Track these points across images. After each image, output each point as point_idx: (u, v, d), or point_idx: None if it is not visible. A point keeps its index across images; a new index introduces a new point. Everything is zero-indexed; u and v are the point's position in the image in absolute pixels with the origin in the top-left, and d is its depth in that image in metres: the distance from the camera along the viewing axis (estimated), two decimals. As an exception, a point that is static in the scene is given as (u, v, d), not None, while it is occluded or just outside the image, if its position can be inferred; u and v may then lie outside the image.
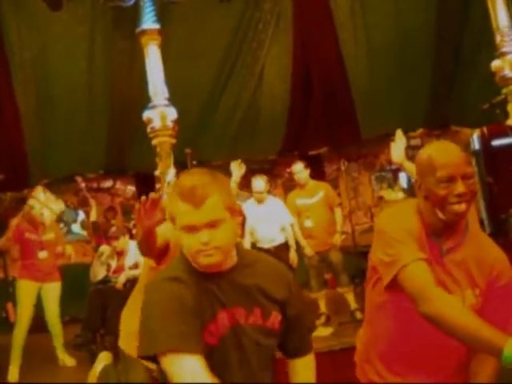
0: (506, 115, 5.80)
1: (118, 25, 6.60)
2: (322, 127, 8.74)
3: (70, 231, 8.93)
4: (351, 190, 9.56)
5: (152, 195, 2.42)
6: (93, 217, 6.54)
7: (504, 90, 5.97)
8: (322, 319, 5.79)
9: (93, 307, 5.52)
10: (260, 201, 5.78)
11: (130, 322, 2.88)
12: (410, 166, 2.79)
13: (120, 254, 5.71)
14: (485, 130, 9.40)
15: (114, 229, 5.98)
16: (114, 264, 5.72)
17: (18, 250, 5.70)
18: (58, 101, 7.32)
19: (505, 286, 1.84)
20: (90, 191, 7.87)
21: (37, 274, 5.48)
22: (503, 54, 6.11)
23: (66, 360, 5.50)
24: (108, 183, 9.22)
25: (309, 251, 5.79)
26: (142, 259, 3.97)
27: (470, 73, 8.06)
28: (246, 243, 5.43)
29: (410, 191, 7.60)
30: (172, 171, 5.38)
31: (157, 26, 5.70)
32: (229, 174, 5.10)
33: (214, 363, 1.51)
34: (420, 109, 8.84)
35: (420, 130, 9.41)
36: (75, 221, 8.91)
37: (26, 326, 5.34)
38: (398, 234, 1.79)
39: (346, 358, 2.40)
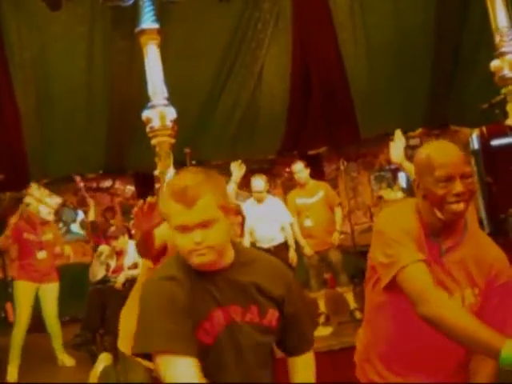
0: (505, 115, 5.80)
1: (117, 24, 6.60)
2: (321, 127, 8.74)
3: (69, 231, 8.93)
4: (350, 190, 9.56)
5: (149, 199, 2.44)
6: (91, 216, 6.53)
7: (503, 90, 5.97)
8: (322, 319, 5.80)
9: (92, 307, 5.52)
10: (259, 200, 5.79)
11: (128, 321, 2.88)
12: (409, 166, 2.79)
13: (119, 253, 5.70)
14: (484, 129, 9.40)
15: (113, 228, 5.97)
16: (113, 264, 5.71)
17: (16, 249, 5.70)
18: (58, 100, 7.32)
19: (504, 285, 1.84)
20: (89, 191, 7.86)
21: (34, 274, 5.48)
22: (502, 54, 6.11)
23: (66, 360, 5.50)
24: (107, 183, 9.22)
25: (308, 251, 5.80)
26: (140, 259, 3.97)
27: (469, 73, 8.06)
28: (246, 243, 5.43)
29: (409, 191, 7.60)
30: (171, 171, 5.38)
31: (156, 26, 5.70)
32: (228, 173, 5.11)
33: (210, 362, 1.53)
34: (419, 108, 8.85)
35: (419, 130, 9.41)
36: (74, 220, 8.91)
37: (24, 326, 5.34)
38: (396, 235, 1.79)
39: (346, 357, 2.41)
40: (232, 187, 4.29)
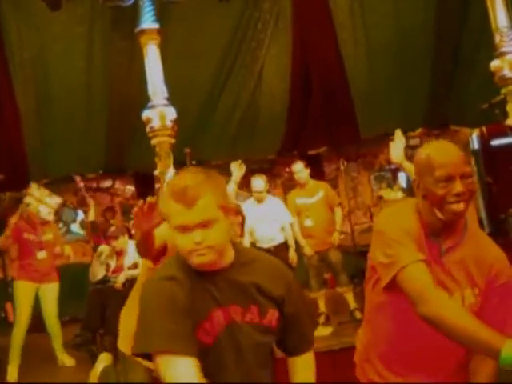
0: (505, 115, 5.80)
1: (117, 25, 6.60)
2: (321, 127, 8.74)
3: (69, 231, 8.94)
4: (350, 190, 9.56)
5: (149, 199, 2.44)
6: (91, 216, 6.53)
7: (503, 90, 5.97)
8: (322, 319, 5.80)
9: (92, 307, 5.52)
10: (259, 200, 5.79)
11: (128, 321, 2.88)
12: (409, 166, 2.79)
13: (119, 253, 5.70)
14: (484, 129, 9.40)
15: (113, 228, 5.97)
16: (113, 264, 5.71)
17: (16, 249, 5.70)
18: (58, 101, 7.33)
19: (504, 285, 1.84)
20: (89, 191, 7.86)
21: (34, 274, 5.48)
22: (502, 54, 6.11)
23: (66, 360, 5.50)
24: (107, 183, 9.22)
25: (308, 251, 5.80)
26: (140, 259, 3.97)
27: (469, 73, 8.06)
28: (246, 243, 5.43)
29: (410, 191, 7.59)
30: (171, 171, 5.38)
31: (156, 26, 5.70)
32: (228, 173, 5.11)
33: (210, 362, 1.53)
34: (419, 108, 8.85)
35: (419, 130, 9.41)
36: (74, 220, 8.91)
37: (24, 327, 5.34)
38: (396, 235, 1.79)
39: (346, 357, 2.41)
40: (232, 187, 4.29)
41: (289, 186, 8.73)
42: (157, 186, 5.68)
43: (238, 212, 5.00)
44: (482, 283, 1.84)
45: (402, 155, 3.06)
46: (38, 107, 7.39)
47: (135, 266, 5.45)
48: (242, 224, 5.00)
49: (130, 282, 5.19)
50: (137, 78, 6.43)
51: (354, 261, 6.43)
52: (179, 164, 5.51)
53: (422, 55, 8.12)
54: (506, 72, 6.06)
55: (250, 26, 7.57)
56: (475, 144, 9.88)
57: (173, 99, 5.74)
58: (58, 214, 8.56)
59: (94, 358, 5.02)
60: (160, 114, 5.59)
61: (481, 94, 6.36)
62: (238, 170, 4.98)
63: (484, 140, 9.58)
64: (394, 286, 1.78)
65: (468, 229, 1.87)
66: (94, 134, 7.76)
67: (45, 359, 5.60)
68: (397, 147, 3.08)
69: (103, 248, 5.78)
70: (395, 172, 9.46)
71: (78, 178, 6.56)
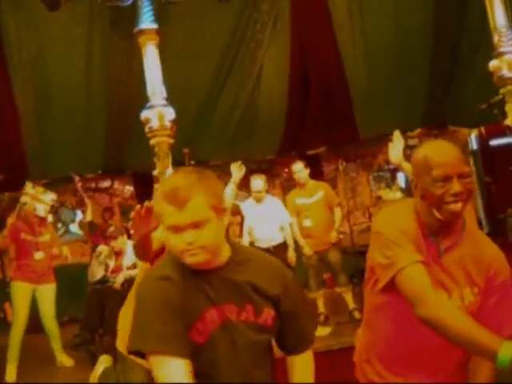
0: (503, 115, 5.81)
1: (116, 25, 6.60)
2: (320, 127, 8.75)
3: (67, 231, 8.94)
4: (349, 190, 9.58)
5: (147, 203, 2.46)
6: (88, 217, 6.52)
7: (502, 90, 5.97)
8: (321, 319, 5.80)
9: (91, 307, 5.52)
10: (259, 200, 5.79)
11: (127, 322, 2.88)
12: (408, 167, 2.79)
13: (118, 253, 5.70)
14: (483, 129, 9.40)
15: (112, 229, 5.97)
16: (112, 264, 5.72)
17: (13, 250, 5.69)
18: (57, 101, 7.33)
19: (502, 284, 1.84)
20: (88, 191, 7.87)
21: (31, 275, 5.47)
22: (501, 54, 6.11)
23: (64, 360, 5.49)
24: (106, 183, 9.22)
25: (307, 251, 5.80)
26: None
27: (467, 73, 8.07)
28: (245, 243, 5.43)
29: (408, 191, 7.59)
30: (170, 171, 5.38)
31: (155, 26, 5.70)
32: (228, 173, 5.10)
33: (204, 361, 1.55)
34: (418, 108, 8.85)
35: (418, 130, 9.42)
36: (73, 221, 8.91)
37: (22, 327, 5.34)
38: (394, 236, 1.80)
39: (345, 357, 2.41)
40: (232, 188, 4.29)
41: (287, 186, 8.74)
42: (156, 186, 5.67)
43: (237, 212, 5.00)
44: (481, 282, 1.84)
45: (401, 156, 3.07)
46: (37, 107, 7.39)
47: (134, 266, 5.45)
48: (241, 224, 5.00)
49: (129, 282, 5.19)
50: (136, 78, 6.43)
51: (353, 261, 6.43)
52: (178, 164, 5.51)
53: (421, 55, 8.12)
54: (505, 72, 6.06)
55: (249, 27, 7.57)
56: (474, 144, 9.88)
57: (172, 99, 5.74)
58: (56, 213, 8.60)
59: (93, 358, 5.01)
60: (159, 114, 5.59)
61: (479, 94, 6.38)
62: (237, 170, 4.98)
63: (483, 140, 9.57)
64: (393, 287, 1.79)
65: (466, 228, 1.87)
66: (93, 134, 7.77)
67: (44, 359, 5.60)
68: (395, 148, 3.09)
69: (102, 248, 5.78)
70: (394, 172, 9.47)
71: (76, 178, 6.56)
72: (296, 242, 5.85)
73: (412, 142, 8.65)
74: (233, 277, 1.62)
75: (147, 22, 5.67)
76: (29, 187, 5.58)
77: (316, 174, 7.84)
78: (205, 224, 1.53)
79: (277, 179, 9.75)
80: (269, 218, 5.74)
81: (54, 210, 8.27)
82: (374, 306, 1.98)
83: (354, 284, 6.07)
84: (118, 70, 7.20)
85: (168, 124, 5.61)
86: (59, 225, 8.85)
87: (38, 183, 5.99)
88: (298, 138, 8.95)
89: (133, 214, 2.49)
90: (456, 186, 1.74)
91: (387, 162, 7.52)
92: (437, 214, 1.78)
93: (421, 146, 1.89)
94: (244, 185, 6.17)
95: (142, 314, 1.54)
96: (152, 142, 5.66)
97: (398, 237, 1.79)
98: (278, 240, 5.80)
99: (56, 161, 7.85)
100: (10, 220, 5.60)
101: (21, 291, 5.44)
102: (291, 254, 5.76)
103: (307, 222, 5.83)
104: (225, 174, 4.99)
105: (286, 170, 9.02)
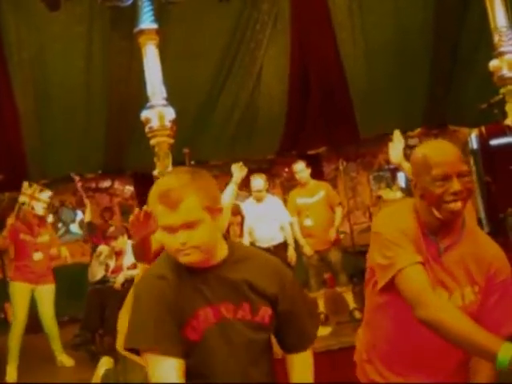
0: (504, 115, 5.81)
1: (116, 25, 6.60)
2: (320, 127, 8.75)
3: (68, 231, 8.93)
4: (349, 190, 9.57)
5: (145, 207, 2.47)
6: (87, 217, 6.51)
7: (502, 90, 5.98)
8: (321, 318, 5.80)
9: (91, 307, 5.52)
10: (259, 199, 5.80)
11: (127, 321, 2.88)
12: (408, 166, 2.78)
13: (118, 253, 5.70)
14: (483, 129, 9.39)
15: (112, 229, 5.97)
16: (112, 264, 5.72)
17: (12, 250, 5.69)
18: (57, 100, 7.33)
19: (503, 283, 1.84)
20: (88, 191, 7.87)
21: (30, 275, 5.47)
22: (501, 54, 6.12)
23: (65, 360, 5.49)
24: (106, 183, 9.21)
25: (308, 250, 5.79)
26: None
27: (467, 72, 8.07)
28: (245, 242, 5.43)
29: (408, 191, 7.59)
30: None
31: (155, 26, 5.70)
32: (227, 173, 5.10)
33: (199, 358, 1.56)
34: (418, 108, 8.85)
35: (418, 130, 9.41)
36: (73, 221, 8.91)
37: (21, 327, 5.35)
38: (393, 236, 1.80)
39: (345, 357, 2.41)
40: (232, 188, 4.29)
41: (288, 186, 8.74)
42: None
43: (238, 212, 5.00)
44: (482, 281, 1.84)
45: (401, 155, 3.07)
46: (37, 107, 7.39)
47: (134, 266, 5.45)
48: (241, 224, 5.01)
49: (129, 283, 5.18)
50: (136, 78, 6.43)
51: (353, 260, 6.43)
52: (178, 164, 5.50)
53: (421, 55, 8.12)
54: (505, 72, 6.06)
55: (249, 27, 7.57)
56: (474, 144, 9.88)
57: (172, 99, 5.75)
58: (57, 213, 8.60)
59: (93, 358, 5.02)
60: (159, 114, 5.60)
61: (479, 94, 6.37)
62: (238, 171, 4.98)
63: (483, 140, 9.57)
64: (393, 287, 1.78)
65: (466, 227, 1.87)
66: (93, 133, 7.76)
67: (44, 359, 5.60)
68: (396, 148, 3.09)
69: (102, 248, 5.78)
70: (394, 172, 9.46)
71: (76, 178, 6.56)
72: (296, 242, 5.85)
73: (412, 141, 8.64)
74: (229, 275, 1.63)
75: (147, 21, 5.68)
76: (25, 187, 5.59)
77: (316, 173, 7.84)
78: (198, 224, 1.54)
79: (277, 179, 9.74)
80: (269, 218, 5.74)
81: (55, 210, 8.29)
82: (374, 306, 1.98)
83: (355, 284, 6.07)
84: (117, 69, 7.20)
85: (168, 124, 5.61)
86: (59, 225, 8.85)
87: (38, 183, 5.98)
88: (298, 137, 8.95)
89: (131, 218, 2.50)
90: (455, 185, 1.73)
91: (387, 161, 7.51)
92: (436, 213, 1.78)
93: (420, 145, 1.89)
94: (244, 184, 6.17)
95: (137, 311, 1.56)
96: (152, 141, 5.66)
97: (398, 237, 1.79)
98: (279, 239, 5.80)
99: (56, 161, 7.85)
100: (10, 220, 5.60)
101: (20, 292, 5.44)
102: (291, 254, 5.76)
103: (308, 222, 5.83)
104: (225, 174, 5.00)
105: (287, 169, 9.02)
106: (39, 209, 5.57)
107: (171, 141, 5.67)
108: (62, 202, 8.80)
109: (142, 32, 5.69)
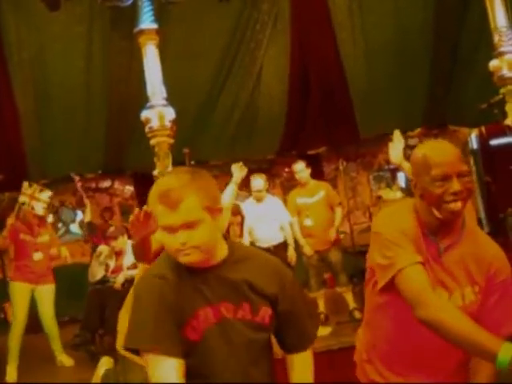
0: (504, 115, 5.81)
1: (116, 25, 6.60)
2: (320, 127, 8.75)
3: (68, 231, 8.94)
4: (349, 190, 9.57)
5: (145, 207, 2.47)
6: (87, 217, 6.52)
7: (502, 90, 5.98)
8: (321, 318, 5.80)
9: (91, 307, 5.52)
10: (259, 199, 5.80)
11: (127, 321, 2.88)
12: (408, 166, 2.79)
13: (118, 254, 5.70)
14: (483, 129, 9.39)
15: (112, 229, 5.97)
16: (112, 264, 5.71)
17: (12, 250, 5.69)
18: (57, 100, 7.33)
19: (503, 283, 1.84)
20: (88, 191, 7.87)
21: (30, 275, 5.47)
22: (501, 54, 6.12)
23: (65, 360, 5.50)
24: (106, 183, 9.21)
25: (308, 250, 5.79)
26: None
27: (467, 72, 8.07)
28: (245, 242, 5.43)
29: (408, 191, 7.59)
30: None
31: (155, 26, 5.70)
32: (227, 173, 5.10)
33: (199, 358, 1.56)
34: (418, 108, 8.85)
35: (418, 130, 9.41)
36: (73, 221, 8.91)
37: (21, 327, 5.35)
38: (393, 236, 1.80)
39: (345, 357, 2.41)
40: (232, 188, 4.29)
41: (288, 186, 8.74)
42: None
43: (238, 212, 5.00)
44: (482, 281, 1.84)
45: (401, 156, 3.07)
46: (37, 107, 7.39)
47: (134, 266, 5.44)
48: (241, 224, 5.00)
49: (129, 283, 5.18)
50: (136, 78, 6.43)
51: (353, 261, 6.43)
52: (178, 164, 5.50)
53: (421, 55, 8.12)
54: (505, 72, 6.06)
55: (249, 27, 7.58)
56: (474, 144, 9.88)
57: (172, 99, 5.75)
58: (57, 213, 8.60)
59: (93, 358, 5.02)
60: (159, 114, 5.60)
61: (479, 94, 6.37)
62: (238, 171, 4.98)
63: (483, 140, 9.57)
64: (393, 287, 1.78)
65: (466, 227, 1.87)
66: (93, 133, 7.77)
67: (44, 359, 5.60)
68: (396, 148, 3.09)
69: (102, 248, 5.78)
70: (394, 172, 9.46)
71: (76, 178, 6.56)
72: (296, 242, 5.85)
73: (412, 141, 8.63)
74: (229, 275, 1.63)
75: (147, 22, 5.68)
76: (25, 187, 5.60)
77: (316, 173, 7.84)
78: (198, 224, 1.54)
79: (277, 179, 9.75)
80: (269, 218, 5.74)
81: (55, 210, 8.29)
82: (374, 306, 1.98)
83: (355, 284, 6.07)
84: (117, 69, 7.20)
85: (168, 124, 5.61)
86: (59, 225, 8.85)
87: (38, 183, 5.99)
88: (298, 137, 8.95)
89: (131, 218, 2.50)
90: (455, 185, 1.73)
91: (387, 161, 7.51)
92: (436, 213, 1.78)
93: (419, 145, 1.89)
94: (244, 184, 6.17)
95: (136, 311, 1.56)
96: (152, 141, 5.66)
97: (398, 237, 1.79)
98: (279, 239, 5.80)
99: (56, 161, 7.85)
100: (10, 220, 5.61)
101: (20, 292, 5.44)
102: (291, 254, 5.76)
103: (308, 222, 5.83)
104: (225, 174, 4.99)
105: (287, 169, 9.02)
106: (39, 209, 5.57)
107: (171, 141, 5.67)
108: (61, 202, 8.80)
109: (141, 32, 5.70)
